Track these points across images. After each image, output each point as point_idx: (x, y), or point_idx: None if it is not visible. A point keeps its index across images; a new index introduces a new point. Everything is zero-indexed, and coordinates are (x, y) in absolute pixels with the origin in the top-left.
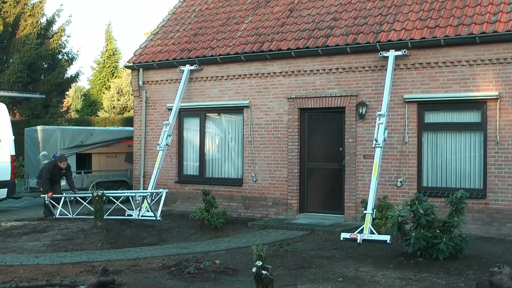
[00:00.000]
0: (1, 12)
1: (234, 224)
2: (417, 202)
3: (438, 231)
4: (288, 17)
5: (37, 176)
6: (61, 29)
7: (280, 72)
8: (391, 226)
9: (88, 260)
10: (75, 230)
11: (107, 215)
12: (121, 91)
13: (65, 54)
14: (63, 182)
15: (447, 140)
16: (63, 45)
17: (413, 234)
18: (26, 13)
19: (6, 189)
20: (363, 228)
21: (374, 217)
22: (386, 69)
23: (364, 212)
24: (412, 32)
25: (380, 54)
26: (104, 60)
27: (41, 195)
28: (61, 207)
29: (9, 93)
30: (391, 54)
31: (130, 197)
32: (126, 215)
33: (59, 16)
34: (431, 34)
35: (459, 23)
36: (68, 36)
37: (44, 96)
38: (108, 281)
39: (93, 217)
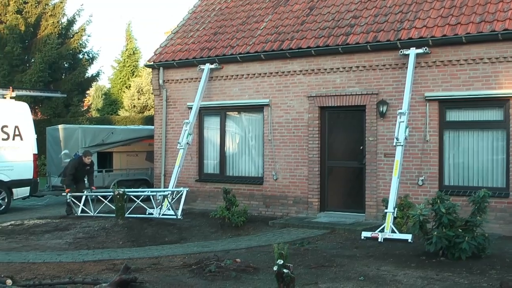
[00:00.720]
0: (23, 13)
1: (255, 223)
2: (438, 201)
3: (460, 230)
4: (308, 15)
5: (59, 175)
6: (82, 29)
7: (300, 71)
8: (412, 225)
9: (109, 258)
10: (97, 228)
11: (128, 214)
12: (142, 90)
13: (85, 54)
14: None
15: (469, 138)
16: (83, 44)
17: (435, 233)
18: (47, 13)
19: (28, 188)
20: (384, 227)
21: (395, 216)
22: (407, 67)
23: (385, 210)
24: (433, 30)
25: (401, 52)
26: (125, 60)
27: (63, 194)
28: (83, 205)
29: (31, 92)
30: (412, 51)
31: (150, 195)
32: (147, 213)
33: (79, 16)
34: (453, 31)
35: (481, 20)
36: (88, 36)
37: (66, 95)
38: (130, 279)
39: (114, 215)
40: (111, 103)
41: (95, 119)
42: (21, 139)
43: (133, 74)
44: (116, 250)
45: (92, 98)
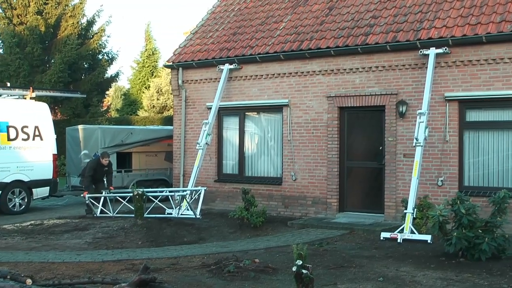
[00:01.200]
0: (43, 14)
1: (274, 223)
2: (458, 202)
3: (480, 231)
4: (327, 16)
5: (78, 175)
6: (101, 30)
7: (320, 71)
8: (432, 225)
9: (128, 258)
10: (116, 228)
11: (147, 214)
12: (161, 90)
13: (105, 54)
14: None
15: (489, 139)
16: (103, 45)
17: (455, 234)
18: (67, 14)
19: (48, 188)
20: (403, 227)
21: (414, 216)
22: (427, 67)
23: (405, 211)
24: (453, 29)
25: (421, 52)
26: (144, 60)
27: (81, 195)
28: (102, 205)
29: (51, 92)
30: (432, 51)
31: (169, 195)
32: (166, 213)
33: (99, 17)
34: (473, 31)
35: (502, 19)
36: (108, 36)
37: (85, 96)
38: (149, 279)
39: (133, 215)
40: (130, 104)
41: (114, 120)
42: (41, 139)
43: (152, 75)
44: (135, 250)
45: (112, 99)
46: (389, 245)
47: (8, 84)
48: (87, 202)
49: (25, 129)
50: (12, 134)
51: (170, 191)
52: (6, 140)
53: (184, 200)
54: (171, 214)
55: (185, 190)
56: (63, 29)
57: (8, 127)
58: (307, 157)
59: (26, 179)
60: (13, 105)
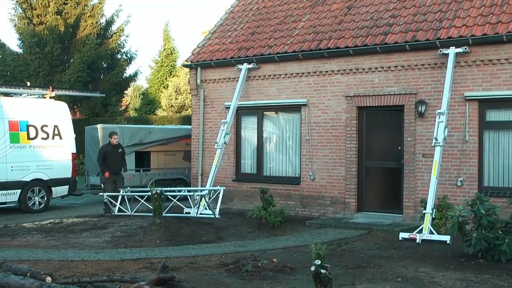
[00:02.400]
0: (63, 13)
1: (292, 223)
2: (478, 202)
3: (500, 232)
4: (345, 15)
5: (97, 174)
6: (120, 29)
7: (338, 70)
8: (451, 226)
9: (147, 257)
10: (134, 227)
11: (165, 213)
12: (179, 90)
13: (123, 54)
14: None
15: (509, 139)
16: (122, 45)
17: (474, 234)
18: (86, 14)
19: (67, 186)
20: (422, 228)
21: (433, 217)
22: (446, 67)
23: (424, 211)
24: (473, 29)
25: (440, 51)
26: (162, 59)
27: (100, 193)
28: (120, 204)
29: (70, 92)
30: (451, 51)
31: (188, 195)
32: (184, 212)
33: (118, 17)
34: (493, 30)
35: None
36: (127, 36)
37: (104, 95)
38: (168, 278)
39: (151, 214)
40: (149, 103)
41: (133, 119)
42: (60, 138)
43: (171, 74)
44: (154, 249)
45: (130, 98)
46: (407, 245)
47: (28, 84)
48: (105, 200)
49: (44, 128)
50: (32, 133)
51: (188, 191)
52: (26, 139)
53: (203, 199)
54: (189, 213)
55: (204, 190)
56: (82, 29)
57: (28, 126)
58: (325, 157)
59: (45, 177)
60: (33, 104)
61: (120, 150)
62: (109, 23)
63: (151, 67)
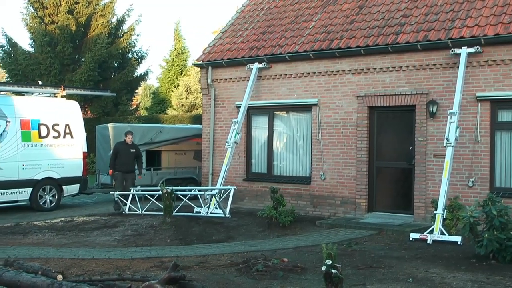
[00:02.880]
0: (74, 13)
1: (302, 223)
2: (490, 203)
3: None
4: (357, 14)
5: (108, 172)
6: (131, 29)
7: (349, 70)
8: (462, 227)
9: (157, 256)
10: (145, 226)
11: (175, 212)
12: (190, 89)
13: (134, 53)
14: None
15: None
16: (132, 44)
17: (486, 235)
18: (97, 13)
19: (78, 185)
20: (433, 228)
21: (444, 217)
22: (458, 67)
23: (435, 212)
24: (486, 28)
25: (452, 51)
26: (173, 59)
27: (111, 192)
28: (130, 203)
29: (81, 91)
30: (463, 51)
31: (198, 194)
32: (194, 212)
33: (129, 16)
34: (506, 30)
35: None
36: (137, 35)
37: (115, 94)
38: (179, 277)
39: (162, 213)
40: (160, 102)
41: (143, 118)
42: (72, 137)
43: (182, 73)
44: (164, 248)
45: (141, 97)
46: (418, 246)
47: (40, 83)
48: (116, 199)
49: (56, 127)
50: (44, 132)
51: (199, 190)
52: (37, 138)
53: (213, 198)
54: (200, 212)
55: (214, 189)
56: (93, 28)
57: (39, 124)
58: (336, 157)
59: (56, 176)
60: (44, 103)
61: (133, 150)
62: (120, 22)
63: (161, 67)
